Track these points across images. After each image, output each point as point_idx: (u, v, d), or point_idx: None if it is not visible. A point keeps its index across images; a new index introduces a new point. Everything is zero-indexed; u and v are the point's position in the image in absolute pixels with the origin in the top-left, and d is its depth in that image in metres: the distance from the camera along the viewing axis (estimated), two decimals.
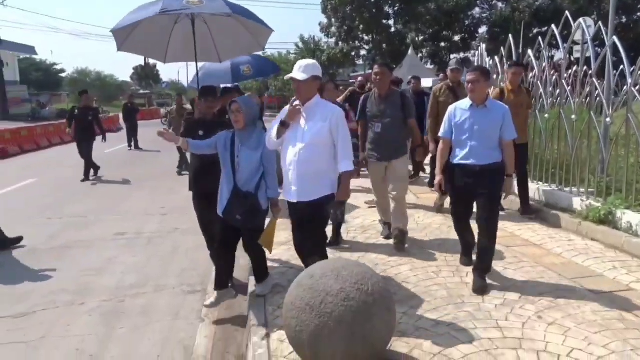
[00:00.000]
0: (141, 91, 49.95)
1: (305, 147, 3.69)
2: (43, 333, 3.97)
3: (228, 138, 4.11)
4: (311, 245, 3.86)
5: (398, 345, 3.33)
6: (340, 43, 40.80)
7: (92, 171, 11.07)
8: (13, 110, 33.25)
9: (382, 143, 5.30)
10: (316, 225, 3.85)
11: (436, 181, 4.54)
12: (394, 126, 5.26)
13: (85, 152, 10.98)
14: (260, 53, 9.81)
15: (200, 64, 8.47)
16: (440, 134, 4.52)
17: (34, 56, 50.78)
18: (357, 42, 41.18)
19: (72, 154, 10.80)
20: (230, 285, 4.36)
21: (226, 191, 4.06)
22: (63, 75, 63.47)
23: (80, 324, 4.16)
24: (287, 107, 3.80)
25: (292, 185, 3.77)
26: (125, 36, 6.10)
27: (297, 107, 3.73)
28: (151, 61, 52.82)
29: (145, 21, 5.71)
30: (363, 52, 42.06)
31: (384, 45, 39.84)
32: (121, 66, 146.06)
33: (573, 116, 6.56)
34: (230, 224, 4.05)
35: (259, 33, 6.52)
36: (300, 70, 3.66)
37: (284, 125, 3.76)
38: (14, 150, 16.39)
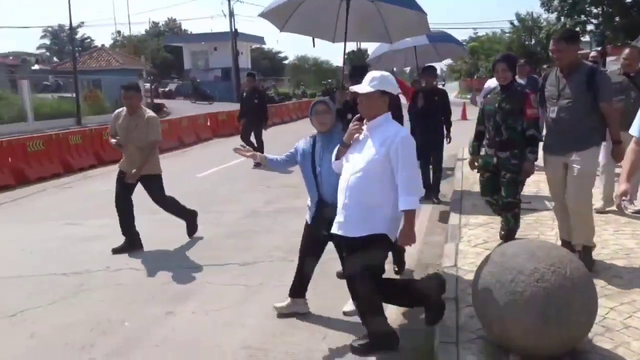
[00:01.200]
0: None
1: (358, 174, 3.16)
2: (261, 280, 4.64)
3: (308, 145, 3.76)
4: (359, 290, 3.29)
5: (600, 339, 3.09)
6: (562, 18, 36.99)
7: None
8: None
9: (556, 131, 4.26)
10: (362, 269, 3.20)
11: (616, 193, 3.27)
12: (575, 110, 4.11)
13: (257, 135, 10.88)
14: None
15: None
16: (631, 131, 3.24)
17: (263, 46, 56.80)
18: (582, 16, 36.84)
19: (287, 133, 11.93)
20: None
21: (312, 203, 3.77)
22: (286, 62, 69.94)
23: (289, 276, 4.69)
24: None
25: (338, 215, 3.28)
26: (285, 18, 6.09)
27: (356, 126, 3.25)
28: (362, 46, 54.92)
29: (301, 2, 5.70)
30: (590, 27, 37.49)
31: (617, 18, 34.93)
32: (337, 52, 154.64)
33: None
34: (315, 237, 3.79)
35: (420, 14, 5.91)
36: (367, 82, 3.19)
37: (343, 145, 3.33)
38: None
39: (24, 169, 10.13)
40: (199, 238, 6.00)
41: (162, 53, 53.43)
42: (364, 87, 3.18)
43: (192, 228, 6.00)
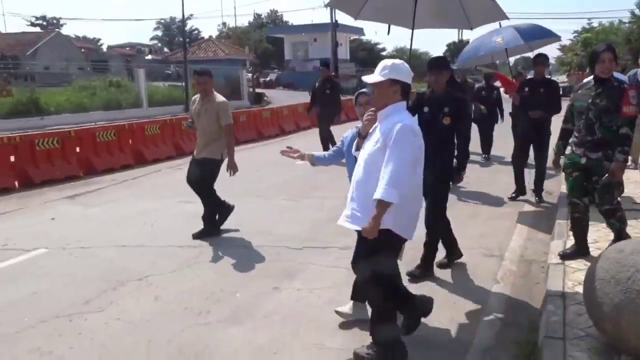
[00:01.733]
0: (454, 67, 51.05)
1: (361, 165, 3.09)
2: None
3: (352, 137, 3.66)
4: (364, 283, 3.27)
5: None
6: None
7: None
8: (342, 84, 38.22)
9: None
10: (367, 262, 3.14)
11: None
12: None
13: (324, 129, 10.43)
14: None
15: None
16: None
17: (362, 37, 56.82)
18: None
19: None
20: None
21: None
22: (384, 53, 69.43)
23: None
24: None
25: (347, 207, 3.22)
26: (359, 6, 5.90)
27: (369, 117, 3.18)
28: (464, 37, 53.18)
29: None
30: None
31: None
32: (437, 43, 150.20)
33: None
34: None
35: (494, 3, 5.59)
36: (377, 71, 3.08)
37: (360, 136, 3.27)
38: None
39: (142, 151, 11.05)
40: (302, 222, 6.27)
41: (264, 44, 55.23)
42: (374, 76, 3.08)
43: (219, 221, 5.93)
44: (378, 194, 2.84)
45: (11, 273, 4.87)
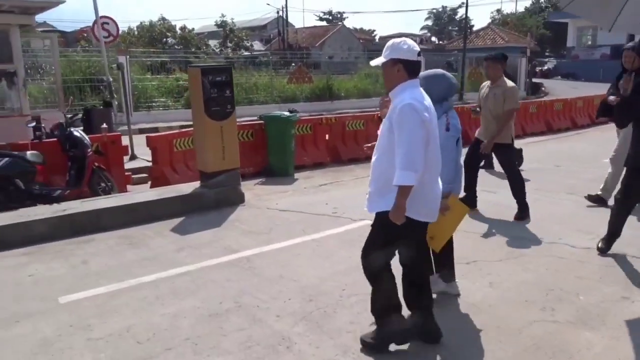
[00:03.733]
0: None
1: (376, 148, 3.11)
2: None
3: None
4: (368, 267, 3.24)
5: None
6: None
7: None
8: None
9: None
10: (373, 244, 3.18)
11: None
12: None
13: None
14: None
15: None
16: None
17: None
18: None
19: None
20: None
21: None
22: None
23: None
24: None
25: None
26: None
27: (383, 100, 3.33)
28: None
29: None
30: None
31: None
32: None
33: None
34: None
35: None
36: (382, 54, 3.02)
37: (381, 121, 3.18)
38: None
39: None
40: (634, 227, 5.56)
41: (540, 30, 51.33)
42: (378, 59, 3.03)
43: (520, 214, 5.99)
44: (394, 180, 2.84)
45: (347, 238, 5.46)
